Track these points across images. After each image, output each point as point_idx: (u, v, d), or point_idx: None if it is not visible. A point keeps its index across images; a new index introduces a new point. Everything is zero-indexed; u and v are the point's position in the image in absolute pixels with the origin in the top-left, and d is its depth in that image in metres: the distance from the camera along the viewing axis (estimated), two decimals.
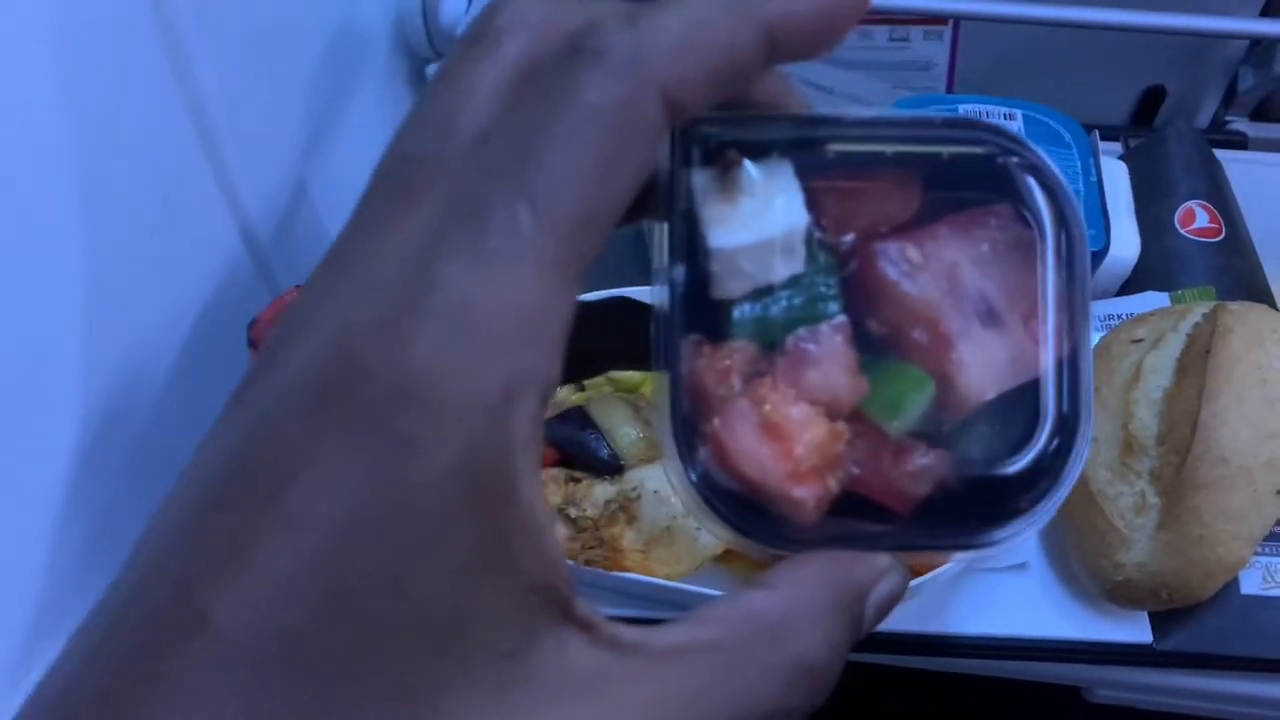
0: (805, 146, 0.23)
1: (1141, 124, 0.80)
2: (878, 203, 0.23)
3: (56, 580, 0.34)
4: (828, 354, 0.23)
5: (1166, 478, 0.48)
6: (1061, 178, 0.23)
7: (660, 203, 0.23)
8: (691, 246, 0.22)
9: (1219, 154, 0.68)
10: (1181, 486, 0.47)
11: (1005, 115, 0.62)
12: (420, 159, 0.21)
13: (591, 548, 0.49)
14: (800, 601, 0.22)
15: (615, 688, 0.20)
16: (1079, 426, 0.23)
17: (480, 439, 0.18)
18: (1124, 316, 0.56)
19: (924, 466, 0.23)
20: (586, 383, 0.55)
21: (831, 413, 0.23)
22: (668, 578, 0.48)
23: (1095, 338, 0.56)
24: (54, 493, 0.34)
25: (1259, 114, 0.77)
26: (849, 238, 0.23)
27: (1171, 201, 0.63)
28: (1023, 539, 0.23)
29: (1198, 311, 0.52)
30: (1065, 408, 0.23)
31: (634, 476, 0.51)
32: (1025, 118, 0.62)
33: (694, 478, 0.22)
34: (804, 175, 0.23)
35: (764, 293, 0.23)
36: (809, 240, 0.22)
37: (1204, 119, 0.79)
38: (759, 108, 0.24)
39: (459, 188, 0.19)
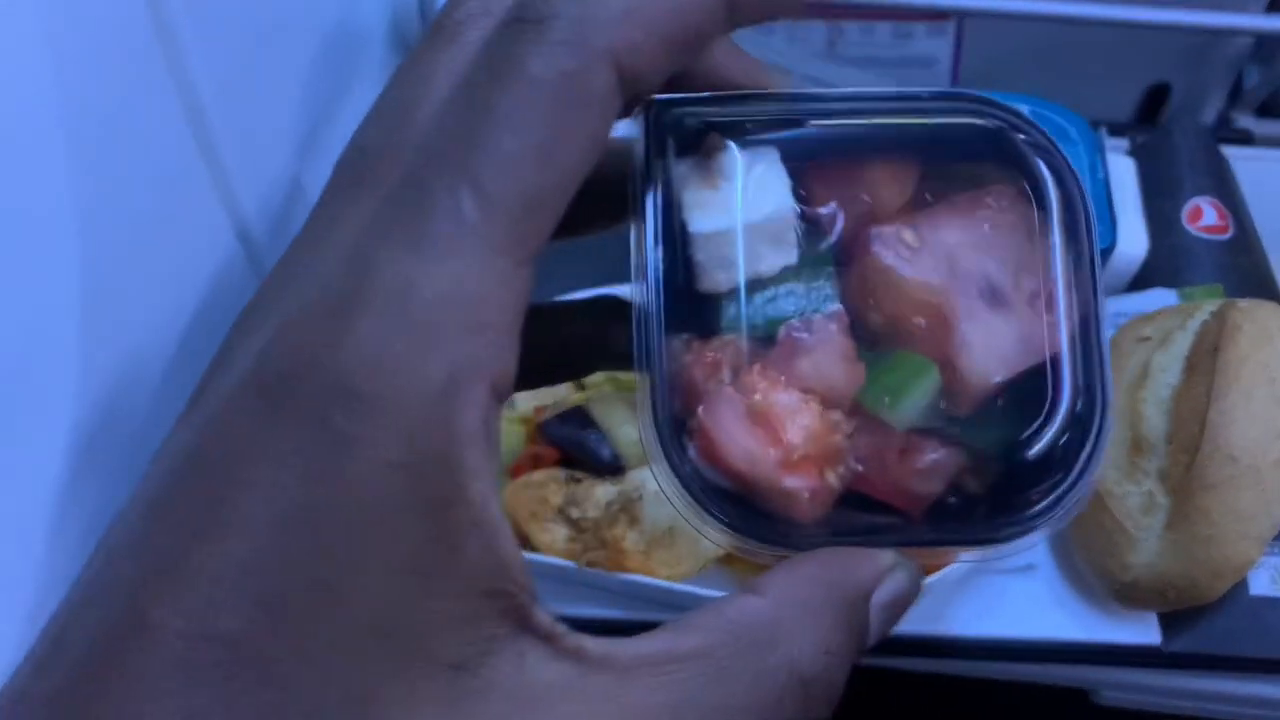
0: (791, 126, 0.22)
1: (1146, 121, 0.80)
2: (871, 185, 0.22)
3: (51, 581, 0.33)
4: (822, 342, 0.21)
5: (1175, 477, 0.48)
6: (1062, 152, 0.23)
7: (636, 193, 0.21)
8: (672, 236, 0.21)
9: (1225, 150, 0.67)
10: (1190, 486, 0.47)
11: None
12: (374, 150, 0.20)
13: (593, 549, 0.49)
14: (792, 605, 0.21)
15: (578, 703, 0.18)
16: (1097, 412, 0.21)
17: (422, 433, 0.17)
18: (1131, 314, 0.56)
19: (933, 463, 0.21)
20: (586, 382, 0.55)
21: (828, 402, 0.21)
22: (670, 579, 0.48)
23: None
24: (48, 493, 0.34)
25: (1265, 111, 0.76)
26: (840, 224, 0.22)
27: (1178, 198, 0.63)
28: (1035, 537, 0.22)
29: (1206, 309, 0.52)
30: (1081, 393, 0.21)
31: (636, 477, 0.50)
32: (1030, 114, 0.62)
33: (682, 477, 0.21)
34: (791, 159, 0.22)
35: (754, 285, 0.21)
36: (799, 227, 0.21)
37: (1209, 116, 0.78)
38: (727, 86, 0.22)
39: (406, 176, 0.19)
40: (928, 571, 0.48)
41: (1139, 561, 0.49)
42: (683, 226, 0.21)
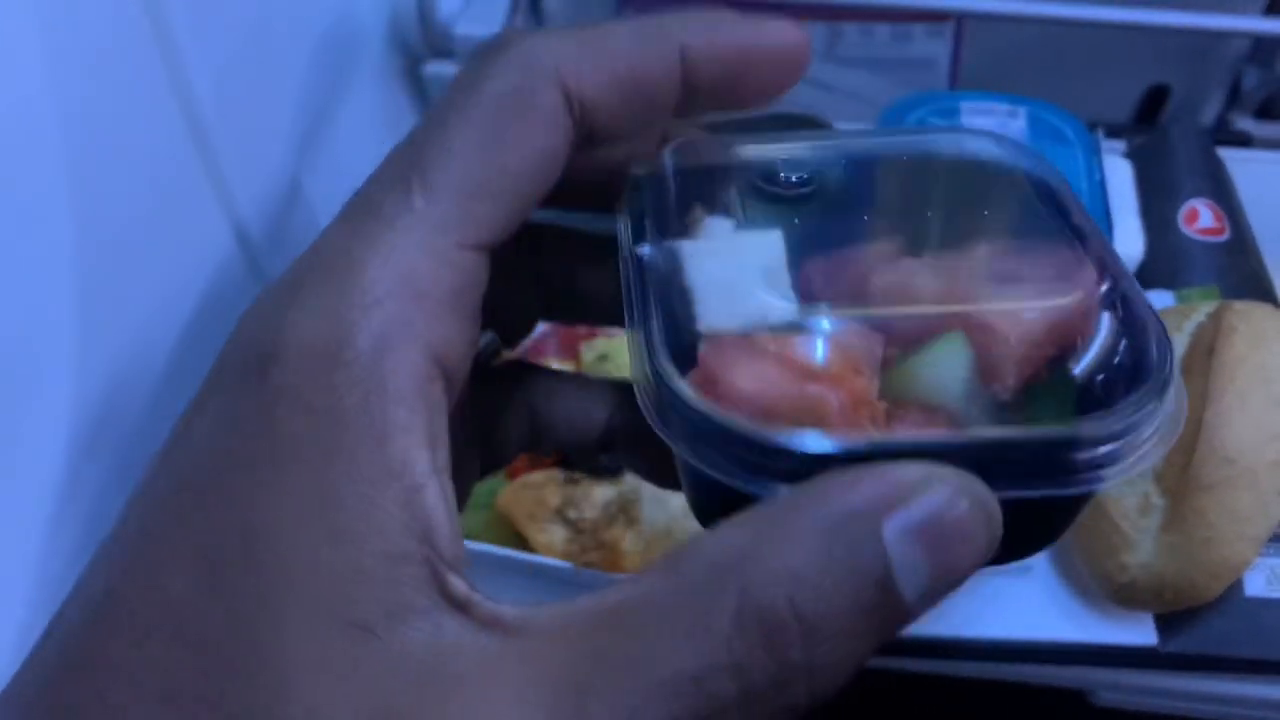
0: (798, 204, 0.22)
1: (1145, 123, 0.80)
2: (869, 262, 0.21)
3: (48, 583, 0.33)
4: (842, 331, 0.19)
5: (1171, 478, 0.48)
6: (1049, 164, 0.22)
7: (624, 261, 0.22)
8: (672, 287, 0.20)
9: (1223, 153, 0.67)
10: (1186, 487, 0.47)
11: (1008, 112, 0.62)
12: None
13: (591, 550, 0.49)
14: (755, 538, 0.17)
15: (488, 672, 0.17)
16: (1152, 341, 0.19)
17: (349, 385, 0.18)
18: None
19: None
20: None
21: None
22: None
23: None
24: (45, 494, 0.34)
25: (1263, 113, 0.76)
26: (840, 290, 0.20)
27: (1175, 200, 0.63)
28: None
29: (1202, 311, 0.52)
30: (1129, 331, 0.19)
31: (634, 478, 0.51)
32: (1028, 115, 0.62)
33: (680, 398, 0.18)
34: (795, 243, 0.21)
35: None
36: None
37: (1208, 118, 0.78)
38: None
39: (372, 175, 0.20)
40: None
41: (1135, 562, 0.49)
42: (682, 275, 0.21)
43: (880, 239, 0.21)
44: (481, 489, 0.52)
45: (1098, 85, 0.75)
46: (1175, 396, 0.19)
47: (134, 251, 0.36)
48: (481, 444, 0.27)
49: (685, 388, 0.19)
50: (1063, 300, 0.20)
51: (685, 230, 0.21)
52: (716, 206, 0.22)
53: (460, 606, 0.17)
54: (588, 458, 0.30)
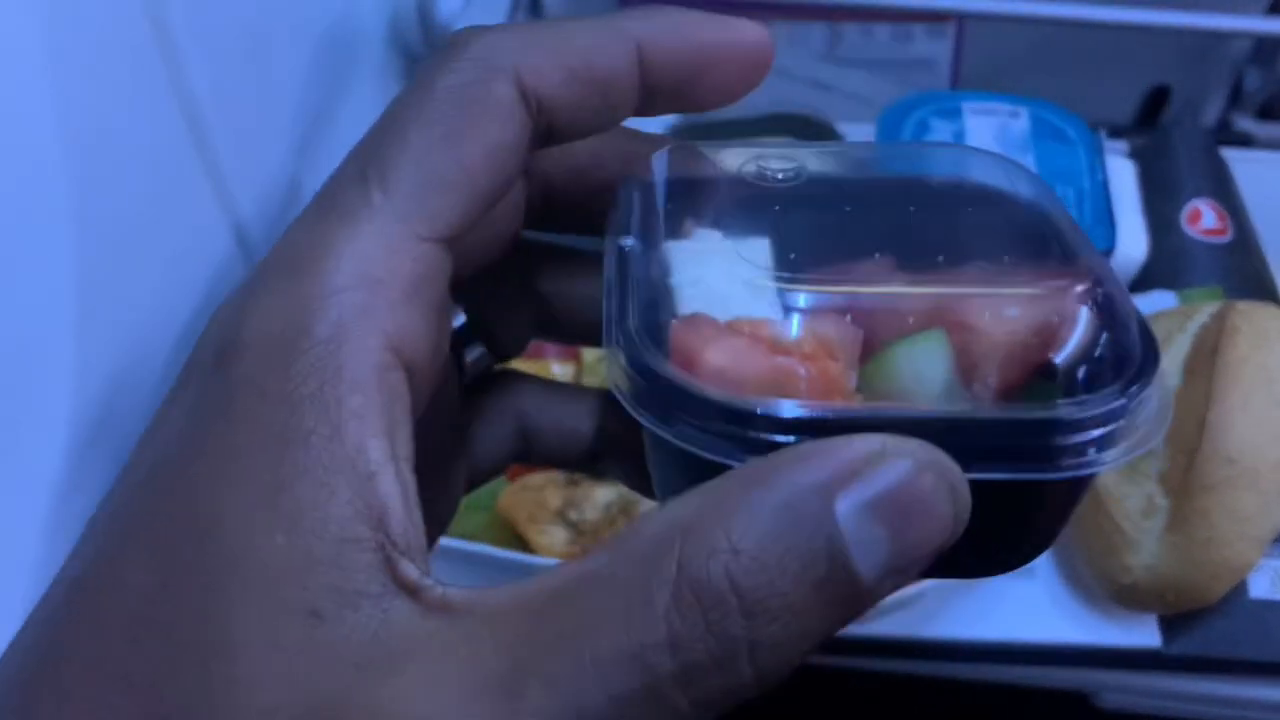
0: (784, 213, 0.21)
1: (1147, 123, 0.80)
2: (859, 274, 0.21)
3: (47, 583, 0.33)
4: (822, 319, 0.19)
5: (1174, 479, 0.48)
6: (1040, 181, 0.22)
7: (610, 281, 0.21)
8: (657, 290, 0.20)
9: (1226, 153, 0.67)
10: (1189, 487, 0.47)
11: (1010, 113, 0.62)
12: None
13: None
14: (714, 511, 0.16)
15: (435, 656, 0.17)
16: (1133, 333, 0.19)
17: (304, 373, 0.18)
18: None
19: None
20: (587, 384, 0.55)
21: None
22: None
23: None
24: (43, 494, 0.34)
25: (1265, 113, 0.76)
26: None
27: (1178, 201, 0.63)
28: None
29: (1205, 311, 0.52)
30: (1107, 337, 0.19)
31: None
32: (1031, 115, 0.62)
33: (651, 369, 0.18)
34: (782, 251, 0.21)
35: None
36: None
37: (1209, 118, 0.78)
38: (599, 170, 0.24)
39: (333, 172, 0.21)
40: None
41: (1138, 563, 0.48)
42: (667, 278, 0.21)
43: (869, 258, 0.21)
44: (481, 491, 0.52)
45: (1099, 86, 0.75)
46: (1160, 387, 0.19)
47: (133, 251, 0.36)
48: (470, 455, 0.27)
49: (657, 358, 0.19)
50: (1043, 297, 0.19)
51: (673, 236, 0.21)
52: (705, 215, 0.22)
53: (410, 591, 0.17)
54: (576, 469, 0.29)
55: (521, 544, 0.50)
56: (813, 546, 0.16)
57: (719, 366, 0.18)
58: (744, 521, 0.16)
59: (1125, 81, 0.79)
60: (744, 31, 0.22)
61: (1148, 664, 0.51)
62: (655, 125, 0.67)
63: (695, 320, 0.19)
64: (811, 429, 0.17)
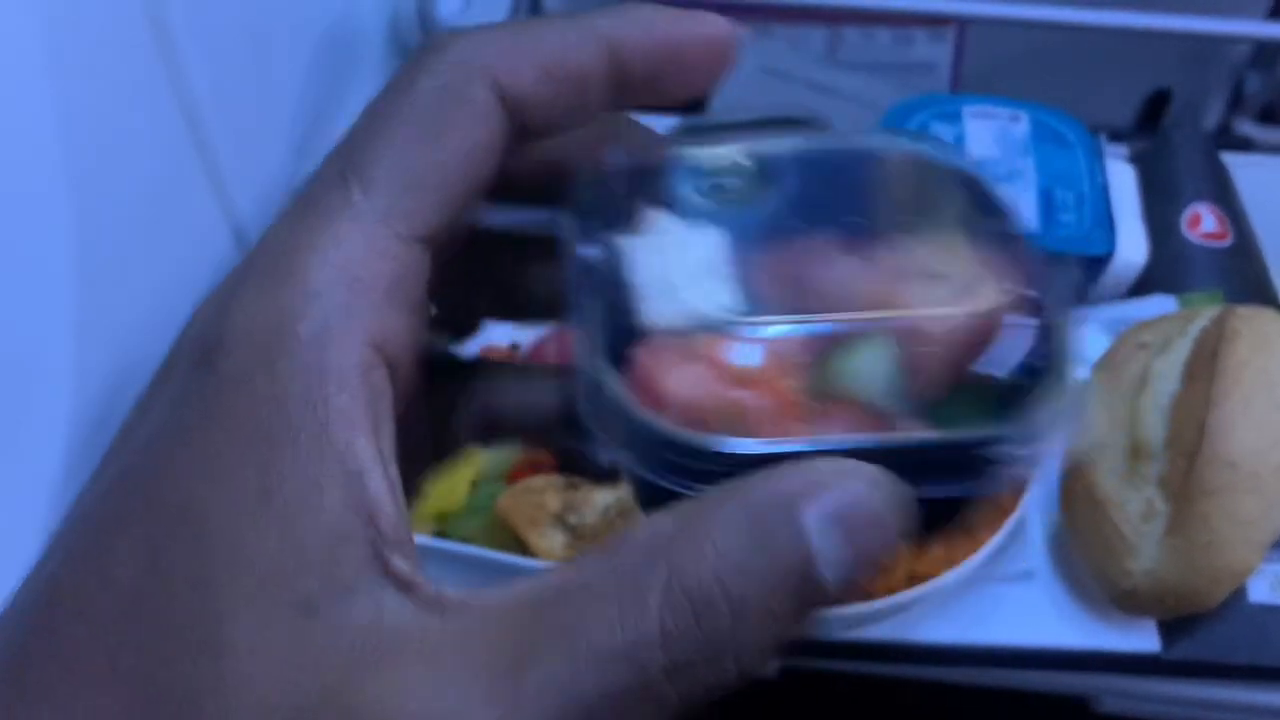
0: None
1: (1146, 128, 0.80)
2: (808, 259, 0.22)
3: None
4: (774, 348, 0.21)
5: (1174, 483, 0.48)
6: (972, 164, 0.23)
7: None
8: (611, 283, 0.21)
9: (1226, 157, 0.67)
10: (1189, 492, 0.47)
11: (1010, 116, 0.62)
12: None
13: None
14: (698, 522, 0.18)
15: (427, 651, 0.17)
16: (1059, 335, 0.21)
17: (290, 372, 0.18)
18: (1131, 321, 0.56)
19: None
20: None
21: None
22: None
23: (1102, 343, 0.55)
24: (43, 495, 0.34)
25: (1265, 117, 0.76)
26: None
27: (1178, 205, 0.63)
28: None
29: (1205, 316, 0.52)
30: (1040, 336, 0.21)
31: None
32: (1031, 119, 0.62)
33: (612, 400, 0.19)
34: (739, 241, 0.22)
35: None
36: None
37: (1210, 122, 0.78)
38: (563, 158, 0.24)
39: (312, 173, 0.21)
40: (922, 578, 0.48)
41: (1138, 568, 0.48)
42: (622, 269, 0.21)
43: (818, 235, 0.22)
44: (481, 494, 0.52)
45: (1099, 90, 0.75)
46: (1073, 394, 0.20)
47: (132, 252, 0.36)
48: (434, 439, 0.28)
49: (619, 390, 0.20)
50: (982, 306, 0.21)
51: (630, 227, 0.22)
52: (660, 204, 0.23)
53: (403, 587, 0.18)
54: (549, 440, 0.30)
55: (521, 547, 0.50)
56: (787, 555, 0.18)
57: (680, 397, 0.20)
58: (727, 532, 0.18)
59: (1126, 85, 0.79)
60: (710, 25, 0.23)
61: (1147, 668, 0.51)
62: (659, 128, 0.67)
63: (658, 347, 0.20)
64: (764, 463, 0.19)
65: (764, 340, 0.20)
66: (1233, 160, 0.67)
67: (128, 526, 0.18)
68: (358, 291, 0.19)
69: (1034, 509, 0.54)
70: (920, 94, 0.66)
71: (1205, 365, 0.49)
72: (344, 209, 0.20)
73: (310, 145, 0.47)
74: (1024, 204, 0.58)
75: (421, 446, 0.27)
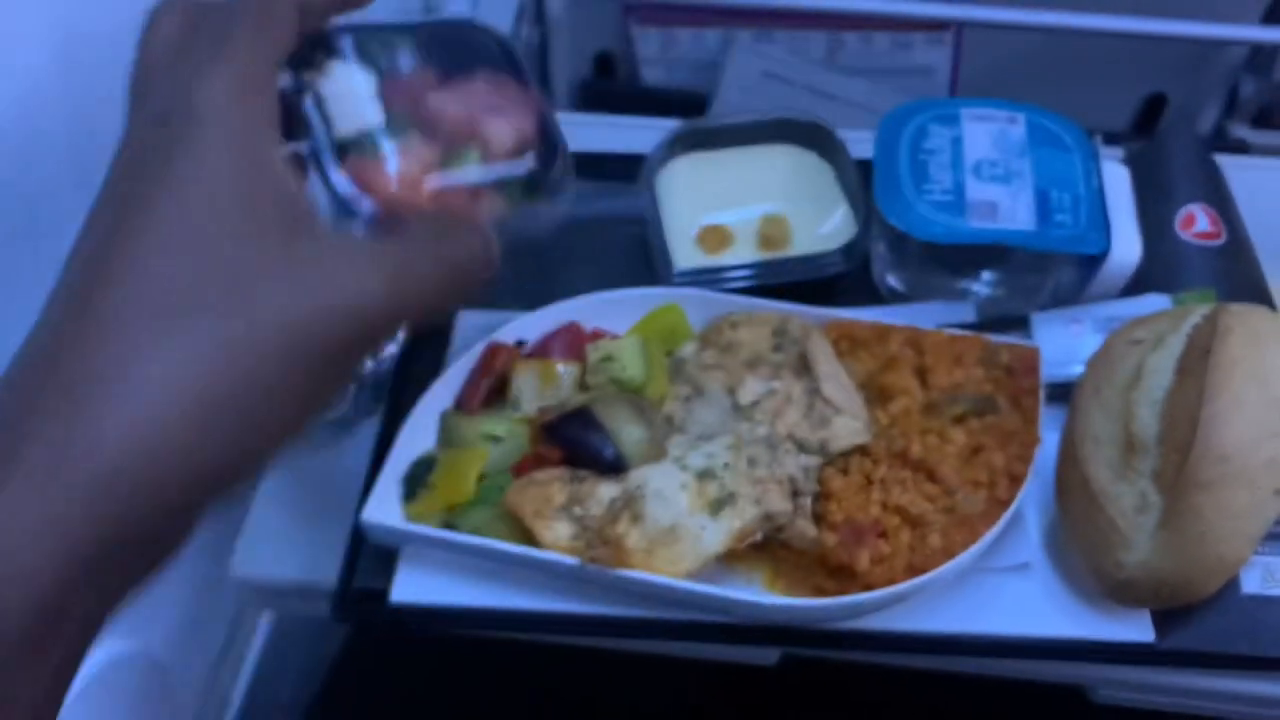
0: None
1: (1142, 132, 0.81)
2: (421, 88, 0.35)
3: None
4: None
5: (1168, 477, 0.48)
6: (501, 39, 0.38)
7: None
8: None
9: (1221, 160, 0.68)
10: (1183, 485, 0.47)
11: (1008, 119, 0.63)
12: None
13: (596, 547, 0.50)
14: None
15: (365, 250, 0.30)
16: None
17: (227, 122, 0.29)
18: (1126, 319, 0.56)
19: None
20: (590, 383, 0.56)
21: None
22: (671, 576, 0.49)
23: (1097, 340, 0.56)
24: None
25: (1260, 120, 0.77)
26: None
27: (1172, 205, 0.64)
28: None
29: (1198, 313, 0.53)
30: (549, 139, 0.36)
31: (638, 476, 0.51)
32: (1028, 122, 0.63)
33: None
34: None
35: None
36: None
37: (1205, 126, 0.79)
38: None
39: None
40: (920, 570, 0.49)
41: (1132, 560, 0.49)
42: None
43: (422, 74, 0.36)
44: (489, 486, 0.53)
45: (1096, 94, 0.76)
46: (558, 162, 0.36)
47: None
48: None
49: (340, 178, 0.33)
50: (526, 126, 0.35)
51: (320, 69, 0.34)
52: (338, 55, 0.35)
53: (317, 223, 0.29)
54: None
55: (528, 538, 0.50)
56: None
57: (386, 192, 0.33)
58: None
59: (1122, 89, 0.79)
60: None
61: (1141, 659, 0.52)
62: (660, 132, 0.67)
63: (359, 160, 0.33)
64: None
65: (400, 148, 0.34)
66: (1228, 163, 0.68)
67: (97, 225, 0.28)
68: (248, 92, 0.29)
69: (1030, 502, 0.54)
70: (919, 98, 0.67)
71: (1198, 361, 0.49)
72: (223, 63, 0.29)
73: None
74: (1021, 204, 0.59)
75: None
